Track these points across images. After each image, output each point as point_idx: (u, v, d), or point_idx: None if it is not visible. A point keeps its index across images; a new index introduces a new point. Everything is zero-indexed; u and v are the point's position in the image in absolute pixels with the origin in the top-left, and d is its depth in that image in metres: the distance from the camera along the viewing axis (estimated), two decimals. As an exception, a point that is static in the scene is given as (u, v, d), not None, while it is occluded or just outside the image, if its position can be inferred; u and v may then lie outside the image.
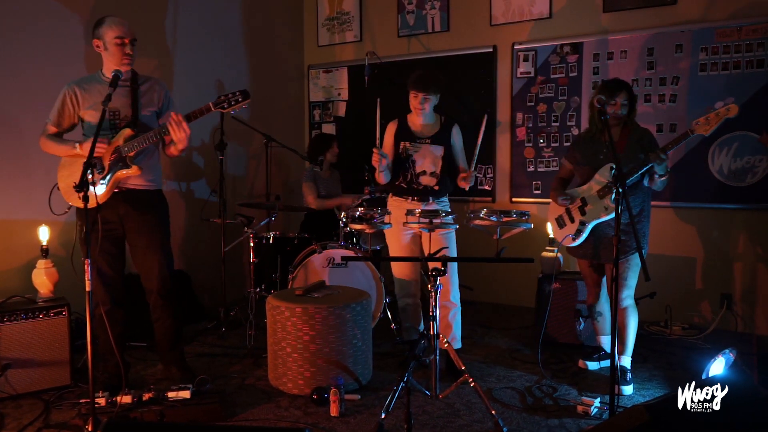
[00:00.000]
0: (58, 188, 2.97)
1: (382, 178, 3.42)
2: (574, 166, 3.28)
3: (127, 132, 2.83)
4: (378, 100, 3.36)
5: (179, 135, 2.76)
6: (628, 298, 3.08)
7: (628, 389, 3.01)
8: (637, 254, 2.97)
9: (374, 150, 3.31)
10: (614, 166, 2.87)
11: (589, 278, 3.28)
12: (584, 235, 3.12)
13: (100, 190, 2.81)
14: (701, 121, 2.85)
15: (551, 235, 3.94)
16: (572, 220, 3.19)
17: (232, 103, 2.76)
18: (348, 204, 4.48)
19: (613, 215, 2.95)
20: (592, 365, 3.35)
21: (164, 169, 4.31)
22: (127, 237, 2.98)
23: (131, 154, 2.81)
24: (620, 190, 2.47)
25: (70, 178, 2.85)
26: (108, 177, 2.82)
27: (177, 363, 3.12)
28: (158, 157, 3.05)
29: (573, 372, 3.32)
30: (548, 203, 4.60)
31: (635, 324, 3.10)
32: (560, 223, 3.28)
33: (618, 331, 3.05)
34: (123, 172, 2.83)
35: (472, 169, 3.34)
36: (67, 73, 3.70)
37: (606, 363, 3.34)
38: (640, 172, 2.93)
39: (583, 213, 3.13)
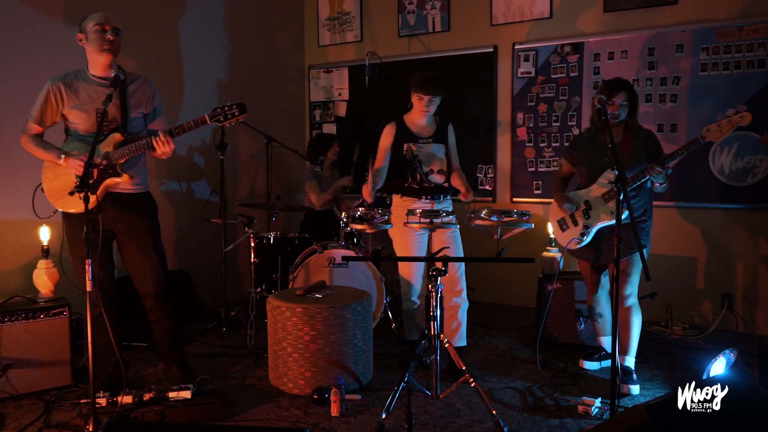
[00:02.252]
0: (42, 190, 2.89)
1: (370, 197, 3.42)
2: (575, 166, 3.25)
3: (116, 137, 2.76)
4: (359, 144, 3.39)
5: (163, 149, 2.74)
6: (632, 296, 3.05)
7: (635, 389, 2.97)
8: (637, 253, 2.95)
9: (364, 188, 3.37)
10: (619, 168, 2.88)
11: (590, 279, 3.26)
12: (588, 239, 3.09)
13: (89, 196, 2.76)
14: (713, 128, 2.78)
15: (552, 235, 3.94)
16: (575, 223, 3.15)
17: (228, 116, 2.68)
18: (346, 184, 4.47)
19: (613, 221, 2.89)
20: (593, 365, 3.34)
21: (164, 169, 4.33)
22: (117, 240, 2.95)
23: (122, 161, 2.75)
24: (621, 189, 2.45)
25: (56, 181, 2.79)
26: (98, 184, 2.76)
27: (177, 363, 3.11)
28: (144, 159, 3.00)
29: (573, 372, 3.32)
30: (549, 203, 4.62)
31: (639, 324, 3.07)
32: (562, 225, 3.23)
33: (621, 330, 3.04)
34: (112, 180, 2.78)
35: (471, 195, 3.41)
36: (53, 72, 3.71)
37: (607, 363, 3.34)
38: (642, 180, 2.90)
39: (587, 216, 3.09)
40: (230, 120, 2.69)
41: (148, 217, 2.97)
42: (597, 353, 3.38)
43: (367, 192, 3.35)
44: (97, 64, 2.79)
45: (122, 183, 2.82)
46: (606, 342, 3.34)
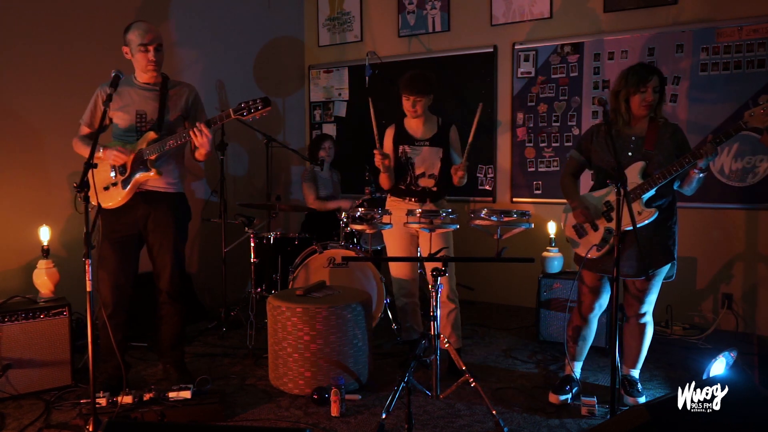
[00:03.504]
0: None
1: (387, 182, 3.40)
2: (591, 162, 2.90)
3: (150, 135, 2.88)
4: (370, 99, 3.34)
5: (200, 140, 2.82)
6: (648, 314, 2.84)
7: (641, 401, 2.84)
8: (663, 268, 2.75)
9: (375, 152, 3.30)
10: (646, 165, 2.65)
11: (590, 296, 2.90)
12: (610, 245, 2.68)
13: (121, 191, 2.88)
14: (757, 113, 2.42)
15: (552, 235, 3.94)
16: (595, 228, 2.78)
17: (252, 110, 2.77)
18: (345, 208, 4.48)
19: (646, 222, 2.63)
20: (564, 397, 2.92)
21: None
22: (144, 237, 3.02)
23: (152, 157, 2.86)
24: (621, 191, 2.34)
25: (96, 176, 2.90)
26: (130, 179, 2.87)
27: (176, 364, 3.13)
28: (181, 160, 3.08)
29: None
30: (549, 203, 4.63)
31: (650, 338, 2.89)
32: (579, 231, 2.85)
33: (633, 343, 2.90)
34: (143, 175, 2.87)
35: (464, 159, 3.27)
36: (76, 77, 3.72)
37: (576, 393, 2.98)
38: (684, 168, 2.56)
39: (609, 219, 2.74)
40: (254, 114, 2.77)
41: (177, 218, 3.03)
42: (565, 384, 2.97)
43: (383, 181, 3.41)
44: (143, 75, 2.94)
45: (152, 180, 2.91)
46: (577, 367, 3.02)
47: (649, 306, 2.84)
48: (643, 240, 2.64)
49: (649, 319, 2.87)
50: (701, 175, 2.62)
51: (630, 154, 2.74)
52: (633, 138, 2.76)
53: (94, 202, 2.95)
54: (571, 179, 2.96)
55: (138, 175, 2.87)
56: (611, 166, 2.71)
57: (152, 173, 2.87)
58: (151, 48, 2.86)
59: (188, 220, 3.15)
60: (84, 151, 2.94)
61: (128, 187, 2.88)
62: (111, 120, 2.97)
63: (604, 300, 2.91)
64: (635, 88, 2.69)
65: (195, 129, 2.80)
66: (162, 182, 2.96)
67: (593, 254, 2.75)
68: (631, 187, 2.64)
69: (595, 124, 2.95)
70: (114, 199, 2.88)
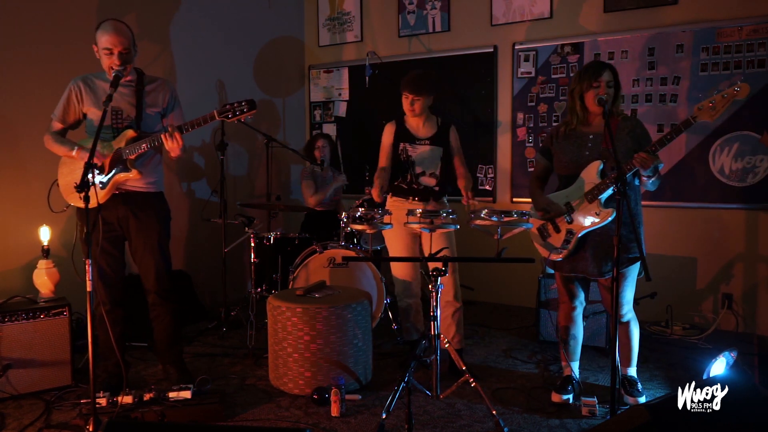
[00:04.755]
0: (57, 185, 2.96)
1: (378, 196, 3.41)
2: (555, 164, 2.90)
3: (129, 134, 2.82)
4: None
5: (170, 145, 2.76)
6: (628, 312, 2.83)
7: (642, 401, 2.83)
8: (631, 268, 2.73)
9: (373, 194, 3.32)
10: (603, 164, 2.65)
11: (567, 295, 2.93)
12: (572, 247, 2.72)
13: (99, 191, 2.80)
14: (705, 106, 2.44)
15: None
16: (557, 230, 2.79)
17: (237, 113, 2.70)
18: (341, 182, 4.48)
19: (605, 222, 2.62)
20: (568, 396, 2.92)
21: (165, 169, 4.33)
22: (126, 238, 2.99)
23: (132, 157, 2.80)
24: (620, 189, 2.31)
25: (70, 176, 2.85)
26: (108, 178, 2.81)
27: (175, 363, 3.11)
28: (160, 159, 3.03)
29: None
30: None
31: (638, 334, 2.90)
32: (543, 233, 2.86)
33: (625, 345, 2.89)
34: (122, 175, 2.81)
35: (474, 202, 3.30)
36: (66, 75, 3.71)
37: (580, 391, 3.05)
38: (629, 173, 2.55)
39: (569, 221, 2.74)
40: (239, 116, 2.72)
41: (158, 217, 3.00)
42: (567, 384, 2.96)
43: (375, 194, 3.35)
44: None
45: (132, 179, 2.86)
46: (575, 367, 3.02)
47: (627, 305, 2.83)
48: (603, 240, 2.65)
49: (631, 317, 2.87)
50: (651, 179, 2.60)
51: (587, 153, 2.73)
52: (591, 136, 2.74)
53: (71, 202, 2.91)
54: (537, 182, 2.98)
55: (117, 176, 2.81)
56: (571, 164, 2.76)
57: (132, 174, 2.81)
58: (116, 51, 2.75)
59: (169, 219, 3.10)
60: (57, 149, 2.88)
61: (107, 187, 2.82)
62: (85, 115, 2.91)
63: (582, 297, 2.94)
64: (588, 83, 2.68)
65: (167, 134, 2.74)
66: (141, 182, 2.90)
67: (555, 256, 2.78)
68: (589, 188, 2.66)
69: (555, 126, 2.97)
70: (92, 197, 2.82)
